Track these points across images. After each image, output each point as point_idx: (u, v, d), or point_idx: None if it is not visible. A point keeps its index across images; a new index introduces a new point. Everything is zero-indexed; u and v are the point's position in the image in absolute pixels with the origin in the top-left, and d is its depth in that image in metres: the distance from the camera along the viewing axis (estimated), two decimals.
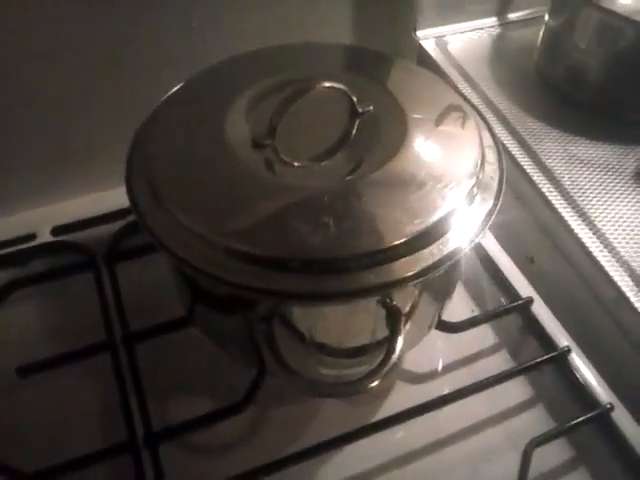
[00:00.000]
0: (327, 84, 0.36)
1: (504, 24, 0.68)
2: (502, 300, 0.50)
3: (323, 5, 0.57)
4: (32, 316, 0.49)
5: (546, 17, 0.60)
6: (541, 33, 0.62)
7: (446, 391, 0.44)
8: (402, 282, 0.32)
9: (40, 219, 0.54)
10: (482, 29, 0.67)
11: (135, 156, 0.38)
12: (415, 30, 0.64)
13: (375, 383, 0.32)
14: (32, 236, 0.53)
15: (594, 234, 0.48)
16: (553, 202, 0.50)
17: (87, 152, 0.54)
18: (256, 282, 0.32)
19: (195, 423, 0.40)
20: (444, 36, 0.65)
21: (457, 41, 0.66)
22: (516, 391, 0.45)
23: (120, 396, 0.42)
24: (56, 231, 0.53)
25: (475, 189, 0.36)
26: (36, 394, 0.44)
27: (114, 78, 0.52)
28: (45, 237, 0.53)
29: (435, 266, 0.33)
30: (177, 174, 0.36)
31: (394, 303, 0.34)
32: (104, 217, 0.53)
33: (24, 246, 0.52)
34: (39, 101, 0.51)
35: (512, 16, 0.68)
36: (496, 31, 0.67)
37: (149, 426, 0.40)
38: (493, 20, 0.68)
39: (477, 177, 0.37)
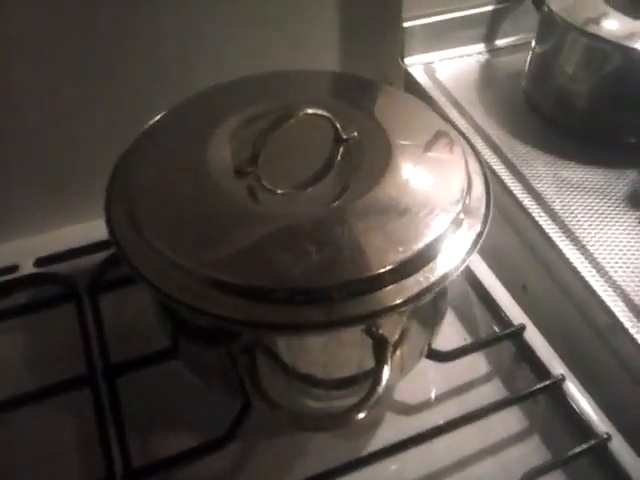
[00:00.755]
0: (310, 111, 0.36)
1: (492, 50, 0.68)
2: (494, 328, 0.49)
3: (309, 31, 0.57)
4: (13, 349, 0.48)
5: (533, 43, 0.61)
6: (528, 59, 0.62)
7: (438, 422, 0.43)
8: (387, 311, 0.32)
9: (23, 250, 0.53)
10: (470, 55, 0.67)
11: (115, 186, 0.37)
12: (402, 57, 0.64)
13: (362, 415, 0.31)
14: (14, 267, 0.52)
15: (586, 259, 0.47)
16: (544, 227, 0.49)
17: (71, 182, 0.54)
18: (237, 313, 0.31)
19: (176, 459, 0.39)
20: (432, 63, 0.66)
21: (445, 68, 0.66)
22: (510, 421, 0.43)
23: (99, 431, 0.40)
24: (39, 262, 0.52)
25: (461, 215, 0.36)
26: (14, 429, 0.43)
27: (98, 109, 0.52)
28: (28, 268, 0.52)
29: (422, 294, 0.32)
30: (157, 204, 0.35)
31: (380, 332, 0.34)
32: (88, 248, 0.52)
33: (6, 278, 0.51)
34: (20, 131, 0.51)
35: (499, 42, 0.68)
36: (484, 57, 0.67)
37: (128, 463, 0.39)
38: (481, 47, 0.68)
39: (463, 202, 0.36)
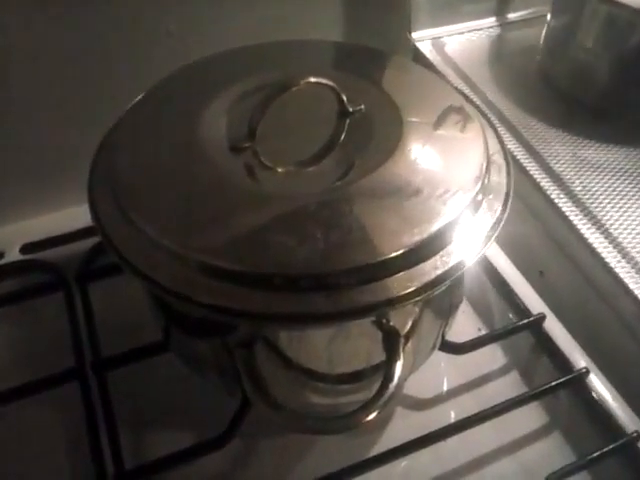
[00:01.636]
0: (313, 79, 0.32)
1: (503, 24, 0.65)
2: (511, 317, 0.45)
3: (313, 5, 0.54)
4: None
5: (548, 16, 0.57)
6: (543, 33, 0.58)
7: (452, 418, 0.40)
8: (400, 300, 0.28)
9: (8, 236, 0.50)
10: (480, 30, 0.64)
11: (99, 167, 0.34)
12: (410, 31, 0.61)
13: (372, 416, 0.28)
14: None
15: (610, 243, 0.44)
16: (563, 209, 0.46)
17: (57, 166, 0.51)
18: (234, 303, 0.28)
19: (171, 460, 0.36)
20: (441, 37, 0.62)
21: (454, 42, 0.62)
22: (529, 417, 0.40)
23: (89, 429, 0.38)
24: (25, 249, 0.49)
25: (480, 195, 0.32)
26: None
27: (85, 90, 0.49)
28: (14, 255, 0.49)
29: (437, 281, 0.29)
30: (144, 183, 0.32)
31: (391, 324, 0.31)
32: (77, 234, 0.49)
33: None
34: (5, 115, 0.48)
35: (511, 16, 0.65)
36: (495, 32, 0.64)
37: (120, 463, 0.36)
38: (492, 20, 0.65)
39: (482, 182, 0.33)
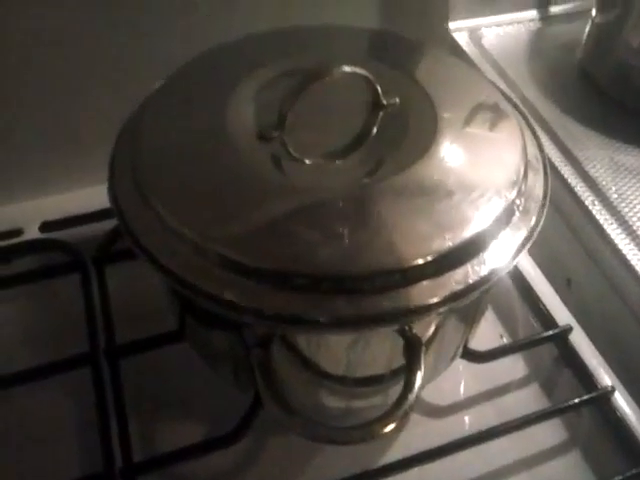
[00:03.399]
0: (347, 69, 0.31)
1: (545, 18, 0.62)
2: (535, 326, 0.44)
3: None
4: (11, 319, 0.44)
5: (593, 12, 0.55)
6: (587, 29, 0.56)
7: (468, 428, 0.39)
8: (425, 310, 0.27)
9: (29, 212, 0.49)
10: (520, 22, 0.61)
11: (121, 149, 0.33)
12: (447, 21, 0.59)
13: (390, 427, 0.27)
14: (18, 231, 0.48)
15: None
16: (597, 216, 0.44)
17: (81, 143, 0.50)
18: (251, 301, 0.27)
19: (179, 455, 0.35)
20: (479, 29, 0.60)
21: (493, 35, 0.60)
22: (548, 433, 0.39)
23: (99, 418, 0.37)
24: (45, 227, 0.48)
25: (516, 201, 0.31)
26: (9, 407, 0.39)
27: (109, 70, 0.48)
28: (33, 233, 0.48)
29: (466, 292, 0.28)
30: (166, 170, 0.31)
31: (414, 331, 0.29)
32: (98, 214, 0.48)
33: (9, 242, 0.47)
34: (29, 92, 0.47)
35: (554, 10, 0.62)
36: (536, 25, 0.61)
37: (129, 455, 0.35)
38: (533, 13, 0.62)
39: (519, 187, 0.31)
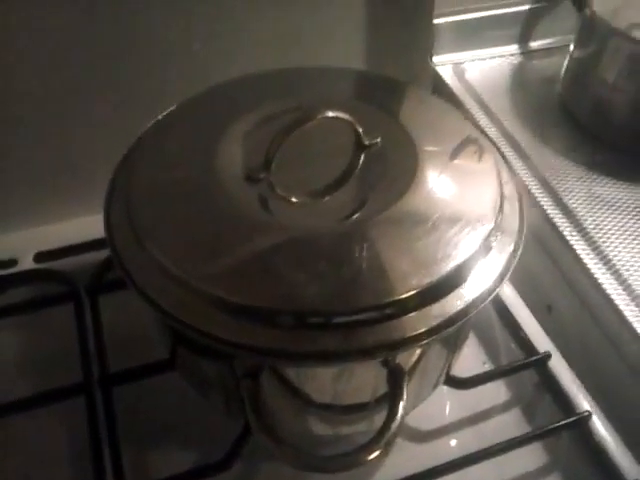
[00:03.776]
0: (331, 114, 0.32)
1: (526, 53, 0.64)
2: (516, 353, 0.45)
3: (334, 26, 0.54)
4: (5, 349, 0.45)
5: (571, 47, 0.57)
6: (565, 63, 0.58)
7: (452, 452, 0.40)
8: (410, 342, 0.29)
9: (23, 243, 0.51)
10: (502, 57, 0.64)
11: (116, 189, 0.35)
12: (431, 56, 0.61)
13: (374, 455, 0.28)
14: (13, 262, 0.50)
15: (620, 285, 0.43)
16: (575, 246, 0.46)
17: (75, 174, 0.51)
18: (239, 337, 0.28)
19: None
20: (462, 63, 0.62)
21: (475, 69, 0.62)
22: (530, 456, 0.40)
23: (92, 446, 0.38)
24: (39, 257, 0.50)
25: (493, 235, 0.32)
26: (1, 436, 0.40)
27: (106, 104, 0.49)
28: (27, 264, 0.49)
29: (447, 323, 0.29)
30: (159, 210, 0.32)
31: (397, 362, 0.31)
32: (91, 244, 0.49)
33: (4, 272, 0.49)
34: (23, 121, 0.48)
35: (534, 44, 0.65)
36: (517, 60, 0.64)
37: None
38: (514, 48, 0.64)
39: (495, 221, 0.33)
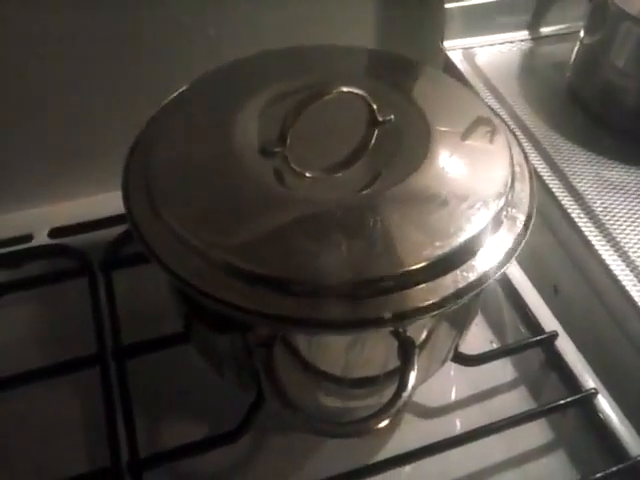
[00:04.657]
0: (345, 89, 0.33)
1: (536, 38, 0.64)
2: (523, 332, 0.46)
3: (347, 9, 0.54)
4: (21, 321, 0.46)
5: (581, 33, 0.57)
6: (575, 49, 0.58)
7: (458, 428, 0.41)
8: (419, 312, 0.29)
9: (38, 219, 0.52)
10: (512, 42, 0.64)
11: (134, 161, 0.35)
12: (442, 40, 0.61)
13: (384, 423, 0.29)
14: (28, 237, 0.50)
15: (627, 266, 0.44)
16: (582, 229, 0.47)
17: (90, 151, 0.52)
18: (254, 304, 0.29)
19: (184, 451, 0.37)
20: (472, 48, 0.62)
21: (485, 54, 0.62)
22: (535, 433, 0.41)
23: (106, 415, 0.39)
24: (54, 233, 0.50)
25: (504, 211, 0.33)
26: (16, 407, 0.41)
27: (117, 77, 0.50)
28: (42, 239, 0.50)
29: (457, 295, 0.30)
30: (176, 182, 0.33)
31: (408, 334, 0.31)
32: (106, 220, 0.50)
33: (19, 247, 0.49)
34: (42, 97, 0.49)
35: (545, 30, 0.65)
36: (527, 45, 0.64)
37: (135, 451, 0.37)
38: (524, 34, 0.64)
39: (506, 198, 0.33)
